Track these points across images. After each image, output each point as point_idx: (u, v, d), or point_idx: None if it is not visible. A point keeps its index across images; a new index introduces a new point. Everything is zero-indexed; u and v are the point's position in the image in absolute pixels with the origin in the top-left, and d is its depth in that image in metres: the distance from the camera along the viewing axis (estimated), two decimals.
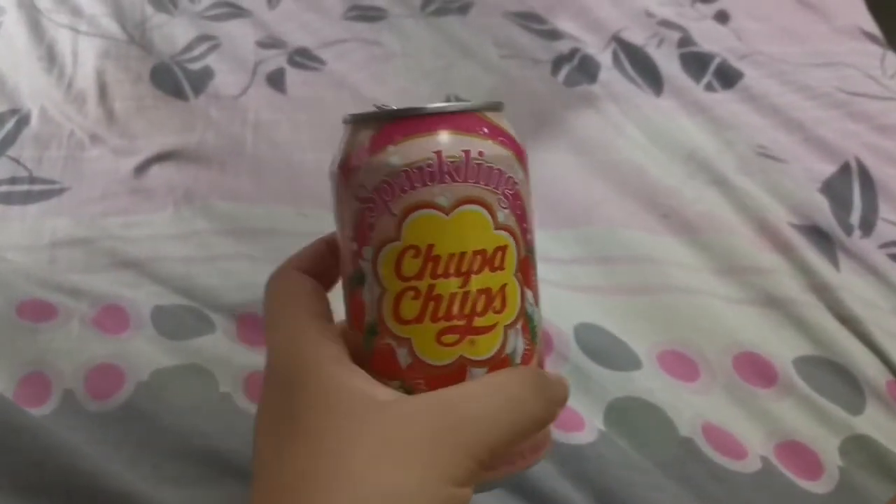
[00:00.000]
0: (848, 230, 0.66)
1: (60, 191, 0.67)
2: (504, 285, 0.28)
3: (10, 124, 0.73)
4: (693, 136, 0.75)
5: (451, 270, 0.27)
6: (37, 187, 0.67)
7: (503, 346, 0.29)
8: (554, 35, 0.87)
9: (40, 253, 0.61)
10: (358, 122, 0.29)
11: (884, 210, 0.68)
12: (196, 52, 0.83)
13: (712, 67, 0.82)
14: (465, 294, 0.28)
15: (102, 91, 0.77)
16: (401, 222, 0.27)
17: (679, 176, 0.71)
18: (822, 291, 0.61)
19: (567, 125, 0.76)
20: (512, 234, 0.29)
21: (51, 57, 0.80)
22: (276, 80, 0.80)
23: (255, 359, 0.52)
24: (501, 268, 0.28)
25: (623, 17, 0.88)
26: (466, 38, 0.86)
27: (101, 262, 0.61)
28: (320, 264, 0.32)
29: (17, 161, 0.69)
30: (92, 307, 0.55)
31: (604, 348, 0.55)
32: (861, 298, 0.60)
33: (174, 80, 0.79)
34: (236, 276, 0.59)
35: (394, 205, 0.27)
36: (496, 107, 0.30)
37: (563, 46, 0.85)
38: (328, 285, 0.32)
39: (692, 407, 0.52)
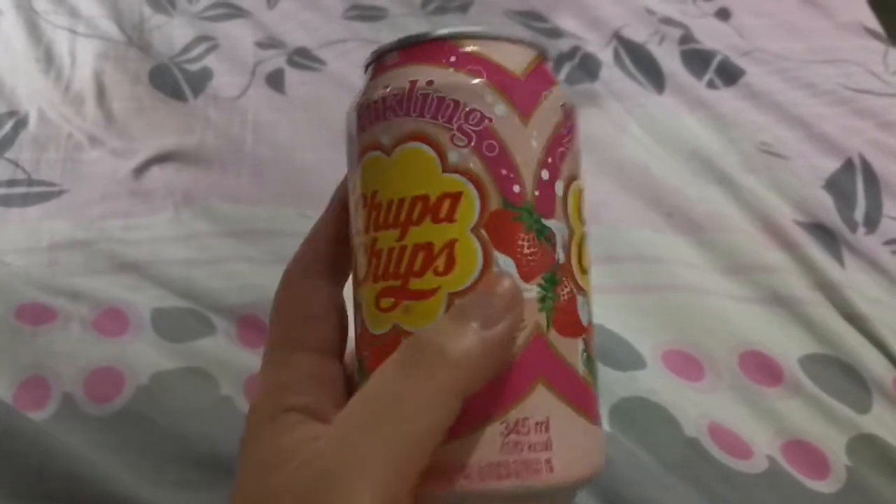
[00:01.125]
0: (852, 227, 0.66)
1: (59, 193, 0.67)
2: (452, 241, 0.23)
3: (7, 126, 0.73)
4: (696, 134, 0.75)
5: (390, 220, 0.23)
6: (35, 189, 0.67)
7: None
8: (555, 33, 0.86)
9: (39, 255, 0.61)
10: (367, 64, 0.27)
11: (888, 206, 0.68)
12: (195, 53, 0.82)
13: (714, 65, 0.82)
14: (402, 249, 0.23)
15: (101, 92, 0.77)
16: (357, 169, 0.25)
17: (683, 174, 0.71)
18: (828, 289, 0.60)
19: None
20: (472, 178, 0.23)
21: (49, 58, 0.80)
22: (275, 81, 0.80)
23: (256, 361, 0.52)
24: (450, 219, 0.23)
25: (624, 14, 0.88)
26: None
27: (101, 264, 0.60)
28: (333, 248, 0.27)
29: (15, 163, 0.69)
30: (91, 310, 0.55)
31: (608, 348, 0.55)
32: (866, 296, 0.60)
33: (173, 81, 0.79)
34: (237, 277, 0.59)
35: (354, 151, 0.25)
36: (485, 36, 0.25)
37: (564, 44, 0.84)
38: (344, 273, 0.27)
39: (698, 406, 0.52)
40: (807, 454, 0.50)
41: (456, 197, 0.23)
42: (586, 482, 0.24)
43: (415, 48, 0.25)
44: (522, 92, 0.24)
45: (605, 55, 0.83)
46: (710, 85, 0.80)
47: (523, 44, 0.25)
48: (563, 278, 0.24)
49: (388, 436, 0.21)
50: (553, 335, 0.24)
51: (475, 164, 0.23)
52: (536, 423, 0.23)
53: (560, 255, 0.24)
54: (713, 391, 0.54)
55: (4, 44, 0.82)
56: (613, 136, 0.75)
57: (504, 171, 0.23)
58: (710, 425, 0.51)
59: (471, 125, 0.23)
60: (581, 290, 0.25)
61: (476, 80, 0.24)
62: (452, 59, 0.24)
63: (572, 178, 0.25)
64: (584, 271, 0.25)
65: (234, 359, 0.52)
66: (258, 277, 0.58)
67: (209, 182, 0.69)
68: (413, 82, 0.24)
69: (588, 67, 0.82)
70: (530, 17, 0.89)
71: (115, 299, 0.56)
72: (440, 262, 0.23)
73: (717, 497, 0.47)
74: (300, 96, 0.78)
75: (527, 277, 0.23)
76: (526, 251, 0.23)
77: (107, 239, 0.62)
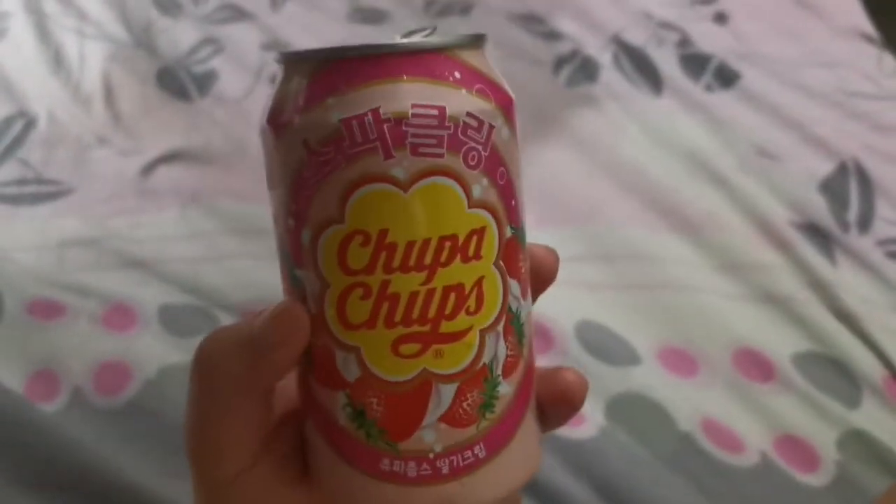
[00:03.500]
0: (845, 228, 0.67)
1: (68, 192, 0.68)
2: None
3: (18, 127, 0.74)
4: (692, 136, 0.76)
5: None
6: (45, 188, 0.68)
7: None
8: (555, 36, 0.87)
9: (49, 253, 0.62)
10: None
11: (881, 208, 0.69)
12: (201, 55, 0.84)
13: (711, 68, 0.83)
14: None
15: (109, 93, 0.78)
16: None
17: (679, 175, 0.72)
18: (820, 288, 0.61)
19: (568, 125, 0.77)
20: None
21: (58, 60, 0.81)
22: None
23: None
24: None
25: (623, 18, 0.89)
26: None
27: (109, 261, 0.61)
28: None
29: (25, 163, 0.70)
30: (100, 306, 0.56)
31: (604, 345, 0.56)
32: (858, 295, 0.61)
33: (180, 83, 0.80)
34: (242, 274, 0.60)
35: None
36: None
37: (564, 47, 0.86)
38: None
39: (691, 402, 0.53)
40: (798, 449, 0.51)
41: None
42: None
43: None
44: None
45: (604, 58, 0.84)
46: (707, 88, 0.81)
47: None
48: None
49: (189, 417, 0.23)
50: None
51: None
52: (310, 450, 0.24)
53: (311, 307, 0.22)
54: (707, 387, 0.55)
55: (14, 46, 0.83)
56: (611, 137, 0.76)
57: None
58: (704, 420, 0.52)
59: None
60: (339, 343, 0.23)
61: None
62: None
63: (327, 224, 0.23)
64: (346, 325, 0.23)
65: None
66: (262, 274, 0.60)
67: (215, 181, 0.70)
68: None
69: (587, 70, 0.83)
70: (530, 20, 0.90)
71: (123, 295, 0.57)
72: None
73: (709, 490, 0.48)
74: None
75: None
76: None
77: (115, 237, 0.64)
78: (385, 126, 0.20)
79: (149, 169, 0.71)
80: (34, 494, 0.45)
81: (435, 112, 0.21)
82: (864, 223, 0.68)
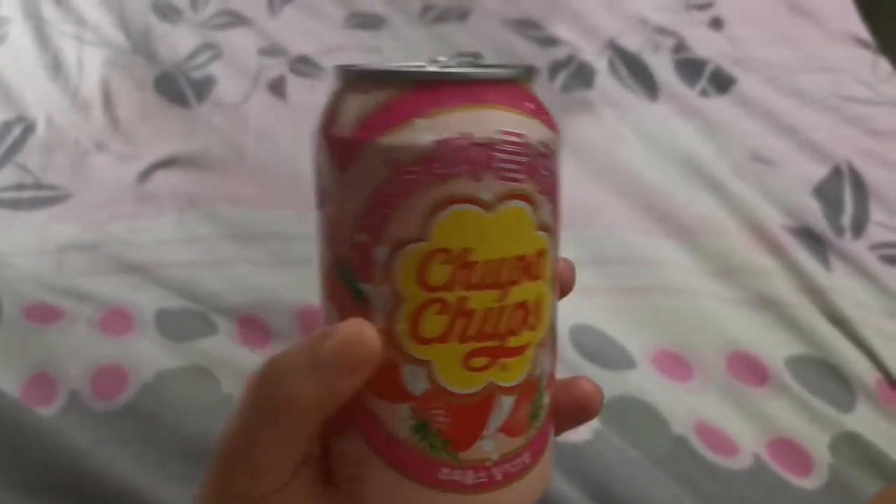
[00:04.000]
0: (839, 232, 0.67)
1: (66, 197, 0.68)
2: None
3: (16, 132, 0.74)
4: (688, 141, 0.76)
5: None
6: (43, 193, 0.69)
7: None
8: (550, 42, 0.88)
9: (47, 257, 0.62)
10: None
11: (875, 212, 0.69)
12: (199, 61, 0.84)
13: (706, 73, 0.83)
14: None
15: (107, 99, 0.78)
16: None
17: (674, 180, 0.72)
18: (814, 293, 0.62)
19: (564, 130, 0.77)
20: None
21: (56, 66, 0.82)
22: (277, 88, 0.82)
23: (257, 360, 0.53)
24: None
25: (618, 23, 0.89)
26: (465, 44, 0.87)
27: (107, 266, 0.62)
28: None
29: (23, 168, 0.71)
30: (97, 310, 0.57)
31: (599, 349, 0.56)
32: (852, 299, 0.61)
33: (178, 88, 0.81)
34: (239, 279, 0.60)
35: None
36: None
37: (560, 53, 0.86)
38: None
39: (686, 405, 0.53)
40: (791, 452, 0.52)
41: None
42: None
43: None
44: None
45: (600, 63, 0.85)
46: (703, 93, 0.82)
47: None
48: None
49: (239, 437, 0.23)
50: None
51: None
52: (352, 463, 0.24)
53: (378, 320, 0.23)
54: (701, 391, 0.55)
55: (13, 51, 0.83)
56: (607, 142, 0.76)
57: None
58: (698, 424, 0.52)
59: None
60: (409, 358, 0.23)
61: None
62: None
63: (409, 240, 0.23)
64: (419, 340, 0.24)
65: (236, 358, 0.54)
66: (259, 279, 0.60)
67: (212, 186, 0.70)
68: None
69: (583, 75, 0.83)
70: (527, 26, 0.90)
71: (120, 300, 0.58)
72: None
73: (703, 493, 0.49)
74: (301, 103, 0.80)
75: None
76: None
77: (112, 241, 0.64)
78: (476, 150, 0.21)
79: (147, 174, 0.71)
80: (31, 498, 0.45)
81: (518, 139, 0.22)
82: (859, 227, 0.68)
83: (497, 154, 0.22)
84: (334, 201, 0.23)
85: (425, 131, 0.21)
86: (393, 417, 0.23)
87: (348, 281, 0.23)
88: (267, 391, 0.22)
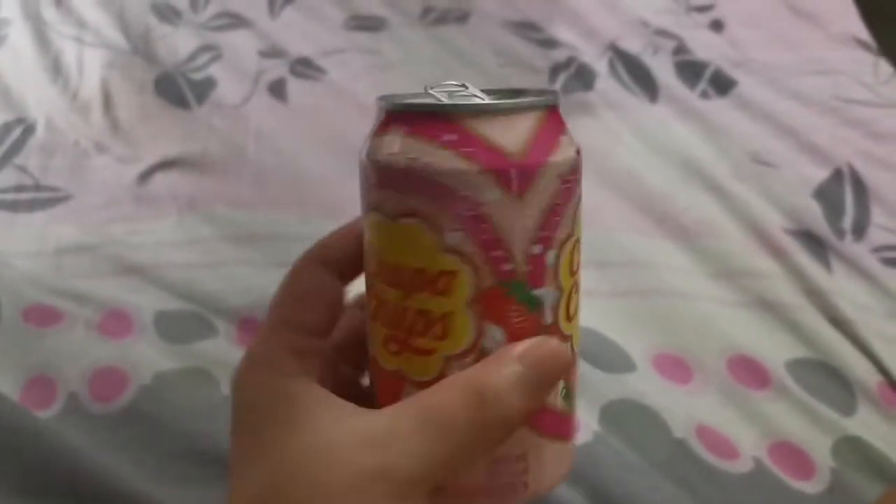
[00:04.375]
0: (840, 235, 0.67)
1: (66, 198, 0.68)
2: (449, 314, 0.25)
3: (16, 133, 0.74)
4: (688, 143, 0.76)
5: (394, 279, 0.25)
6: (42, 195, 0.69)
7: (441, 375, 0.25)
8: (551, 44, 0.88)
9: (46, 259, 0.62)
10: (522, 108, 0.25)
11: (876, 215, 0.69)
12: (199, 62, 0.84)
13: (707, 75, 0.83)
14: (405, 309, 0.25)
15: (107, 100, 0.78)
16: (365, 215, 0.27)
17: (675, 182, 0.72)
18: (815, 295, 0.62)
19: None
20: (466, 260, 0.24)
21: (56, 67, 0.82)
22: (277, 90, 0.82)
23: None
24: (447, 294, 0.25)
25: (619, 25, 0.89)
26: (465, 46, 0.87)
27: (106, 268, 0.62)
28: (349, 251, 0.29)
29: (23, 169, 0.71)
30: (96, 312, 0.56)
31: (598, 351, 0.56)
32: (853, 302, 0.61)
33: (177, 90, 0.81)
34: (238, 281, 0.60)
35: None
36: (486, 109, 0.24)
37: (560, 55, 0.86)
38: (350, 277, 0.30)
39: (686, 408, 0.53)
40: (792, 455, 0.51)
41: (452, 275, 0.25)
42: (557, 486, 0.28)
43: (417, 118, 0.25)
44: (519, 172, 0.24)
45: (601, 65, 0.85)
46: (703, 95, 0.81)
47: (529, 107, 0.25)
48: (551, 336, 0.26)
49: (434, 463, 0.24)
50: None
51: (469, 247, 0.24)
52: (515, 457, 0.27)
53: (548, 317, 0.26)
54: (701, 394, 0.55)
55: (13, 53, 0.83)
56: (607, 144, 0.76)
57: (496, 252, 0.24)
58: (698, 427, 0.52)
59: (466, 210, 0.24)
60: (565, 338, 0.27)
61: (472, 167, 0.24)
62: (452, 137, 0.24)
63: (567, 237, 0.26)
64: (569, 319, 0.27)
65: (235, 360, 0.53)
66: (259, 280, 0.60)
67: (212, 188, 0.70)
68: (412, 160, 0.24)
69: (583, 77, 0.83)
70: (527, 28, 0.90)
71: (119, 301, 0.57)
72: (437, 329, 0.25)
73: (703, 497, 0.48)
74: (301, 105, 0.80)
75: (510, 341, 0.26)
76: (515, 321, 0.25)
77: (112, 243, 0.64)
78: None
79: (146, 176, 0.71)
80: (30, 501, 0.45)
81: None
82: (860, 230, 0.68)
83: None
84: (497, 226, 0.24)
85: (570, 146, 0.26)
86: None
87: (520, 294, 0.25)
88: (480, 413, 0.24)
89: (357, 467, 0.24)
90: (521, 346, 0.25)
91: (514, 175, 0.24)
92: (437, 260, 0.25)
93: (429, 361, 0.25)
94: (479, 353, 0.25)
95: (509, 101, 0.25)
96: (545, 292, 0.25)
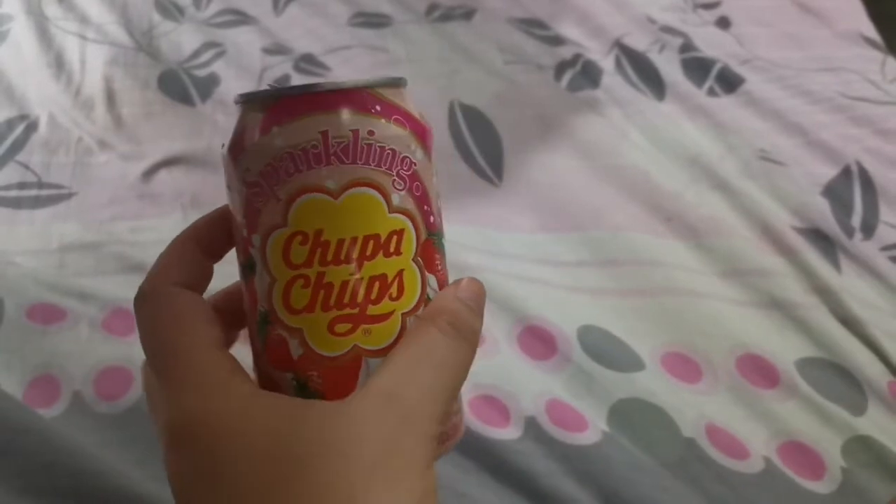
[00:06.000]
0: (849, 233, 0.67)
1: (69, 196, 0.68)
2: (401, 271, 0.27)
3: (18, 130, 0.74)
4: (695, 141, 0.75)
5: (342, 257, 0.26)
6: (45, 192, 0.68)
7: (401, 334, 0.27)
8: (557, 41, 0.87)
9: (49, 257, 0.62)
10: (246, 102, 0.28)
11: (885, 213, 0.68)
12: (203, 59, 0.84)
13: (714, 72, 0.83)
14: (358, 281, 0.26)
15: (110, 97, 0.78)
16: (287, 207, 0.26)
17: (682, 180, 0.72)
18: (824, 293, 0.61)
19: (571, 130, 0.77)
20: (410, 216, 0.27)
21: (59, 64, 0.81)
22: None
23: None
24: (398, 252, 0.27)
25: (625, 23, 0.89)
26: (471, 44, 0.87)
27: (110, 266, 0.61)
28: (212, 237, 0.30)
29: (25, 166, 0.70)
30: (100, 310, 0.56)
31: (607, 350, 0.56)
32: (862, 300, 0.61)
33: (181, 87, 0.80)
34: None
35: (280, 189, 0.26)
36: (393, 83, 0.28)
37: (566, 52, 0.85)
38: (217, 256, 0.31)
39: (695, 408, 0.53)
40: (802, 455, 0.51)
41: (400, 233, 0.27)
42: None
43: (335, 95, 0.26)
44: (425, 134, 0.28)
45: (607, 63, 0.84)
46: (710, 92, 0.81)
47: (405, 85, 0.28)
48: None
49: (441, 395, 0.26)
50: None
51: (410, 204, 0.27)
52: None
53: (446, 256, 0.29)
54: (711, 393, 0.54)
55: (16, 49, 0.83)
56: (614, 142, 0.76)
57: (426, 206, 0.28)
58: (708, 426, 0.52)
59: (404, 171, 0.27)
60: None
61: (404, 131, 0.27)
62: (378, 108, 0.26)
63: None
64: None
65: (239, 357, 0.53)
66: None
67: (216, 185, 0.69)
68: (355, 132, 0.26)
69: (590, 75, 0.83)
70: (533, 25, 0.90)
71: (123, 300, 0.57)
72: (393, 290, 0.27)
73: (713, 497, 0.48)
74: None
75: (442, 287, 0.29)
76: (438, 267, 0.28)
77: (115, 241, 0.63)
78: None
79: (150, 173, 0.71)
80: (33, 500, 0.45)
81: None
82: (869, 228, 0.67)
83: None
84: (423, 182, 0.28)
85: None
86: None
87: (439, 241, 0.29)
88: (458, 340, 0.27)
89: (381, 429, 0.24)
90: (451, 288, 0.28)
91: (425, 135, 0.28)
92: (388, 222, 0.26)
93: (388, 325, 0.27)
94: (425, 302, 0.28)
95: (398, 77, 0.28)
96: (444, 236, 0.29)
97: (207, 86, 0.80)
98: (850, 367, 0.56)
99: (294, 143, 0.26)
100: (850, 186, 0.71)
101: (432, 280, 0.28)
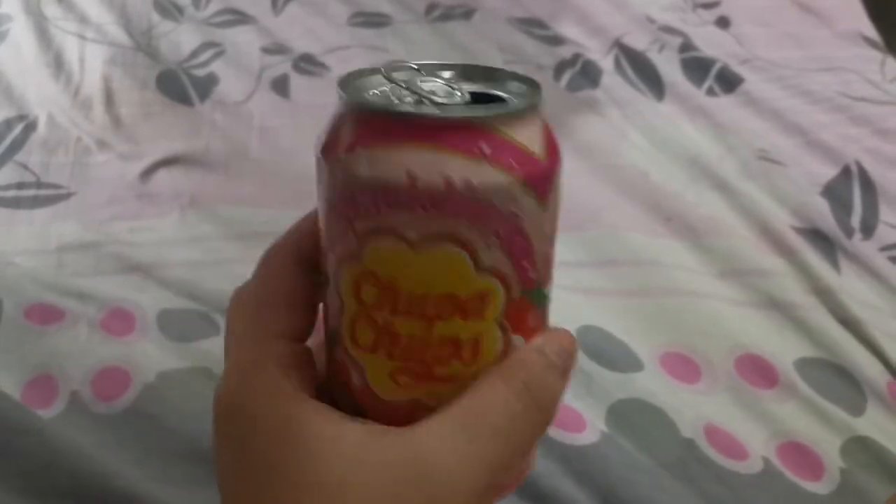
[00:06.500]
0: (849, 233, 0.66)
1: (67, 196, 0.68)
2: (479, 335, 0.24)
3: (17, 130, 0.74)
4: (695, 141, 0.75)
5: (413, 310, 0.23)
6: (44, 192, 0.68)
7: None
8: (557, 40, 0.87)
9: (48, 257, 0.62)
10: (343, 99, 0.24)
11: (884, 213, 0.68)
12: (202, 59, 0.84)
13: (713, 72, 0.83)
14: (426, 339, 0.23)
15: (109, 97, 0.78)
16: (362, 244, 0.23)
17: (682, 180, 0.72)
18: (824, 294, 0.61)
19: (570, 130, 0.77)
20: (501, 277, 0.23)
21: (58, 64, 0.81)
22: (280, 86, 0.81)
23: None
24: (479, 315, 0.23)
25: (625, 22, 0.89)
26: (470, 43, 0.87)
27: (108, 266, 0.61)
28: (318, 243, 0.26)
29: (24, 166, 0.70)
30: (99, 310, 0.56)
31: (606, 350, 0.56)
32: (862, 301, 0.61)
33: (180, 87, 0.80)
34: (241, 279, 0.59)
35: (357, 222, 0.23)
36: (518, 111, 0.23)
37: (566, 52, 0.85)
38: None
39: (694, 408, 0.53)
40: (801, 456, 0.51)
41: (485, 295, 0.23)
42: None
43: (443, 131, 0.21)
44: (544, 176, 0.23)
45: (606, 63, 0.84)
46: (710, 92, 0.81)
47: (538, 103, 0.23)
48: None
49: (487, 469, 0.23)
50: None
51: (503, 263, 0.23)
52: None
53: (548, 308, 0.26)
54: (709, 393, 0.54)
55: (15, 49, 0.83)
56: (613, 142, 0.76)
57: (525, 263, 0.23)
58: (707, 427, 0.52)
59: (504, 224, 0.22)
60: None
61: (512, 177, 0.22)
62: (486, 149, 0.22)
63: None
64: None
65: None
66: None
67: (215, 185, 0.70)
68: (448, 180, 0.21)
69: (589, 74, 0.83)
70: (532, 25, 0.90)
71: (122, 300, 0.57)
72: (467, 353, 0.24)
73: (712, 497, 0.48)
74: (305, 101, 0.80)
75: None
76: (531, 324, 0.25)
77: (114, 241, 0.63)
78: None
79: (148, 173, 0.71)
80: (32, 500, 0.45)
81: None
82: (868, 228, 0.67)
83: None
84: (528, 235, 0.23)
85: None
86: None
87: (537, 297, 0.25)
88: (529, 402, 0.24)
89: (389, 481, 0.22)
90: (539, 340, 0.25)
91: (543, 177, 0.23)
92: (472, 283, 0.23)
93: (455, 387, 0.24)
94: None
95: (526, 100, 0.23)
96: (550, 288, 0.25)
97: (206, 86, 0.80)
98: (849, 368, 0.56)
99: (376, 176, 0.22)
100: (849, 186, 0.71)
101: (519, 341, 0.24)
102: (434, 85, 0.24)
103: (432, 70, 0.25)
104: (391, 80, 0.24)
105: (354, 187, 0.22)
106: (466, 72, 0.25)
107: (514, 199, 0.22)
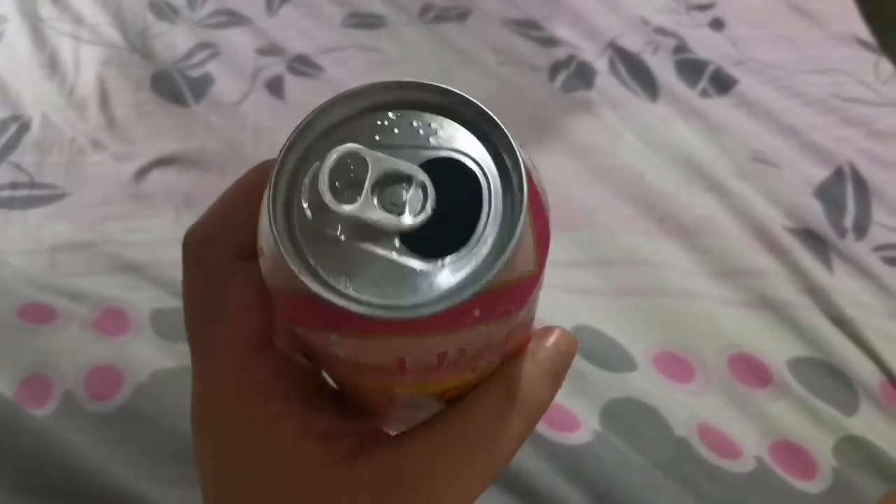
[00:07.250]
0: (841, 233, 0.67)
1: (62, 196, 0.68)
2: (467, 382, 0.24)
3: (11, 130, 0.74)
4: (689, 142, 0.76)
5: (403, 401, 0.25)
6: (38, 192, 0.68)
7: None
8: (551, 42, 0.87)
9: (41, 257, 0.62)
10: (294, 275, 0.19)
11: (877, 214, 0.69)
12: (196, 60, 0.84)
13: (707, 74, 0.83)
14: (412, 397, 0.24)
15: (104, 98, 0.78)
16: (343, 378, 0.24)
17: (675, 181, 0.72)
18: (816, 294, 0.61)
19: (564, 131, 0.77)
20: (482, 375, 0.23)
21: (53, 64, 0.81)
22: (275, 87, 0.81)
23: None
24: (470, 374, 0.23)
25: (619, 24, 0.89)
26: (465, 44, 0.87)
27: (102, 266, 0.61)
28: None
29: (18, 166, 0.70)
30: (92, 310, 0.56)
31: (600, 350, 0.56)
32: (854, 301, 0.61)
33: (175, 87, 0.80)
34: None
35: (342, 371, 0.23)
36: (516, 278, 0.19)
37: (560, 53, 0.86)
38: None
39: (687, 407, 0.53)
40: (794, 455, 0.51)
41: (463, 386, 0.23)
42: None
43: (439, 318, 0.18)
44: (537, 284, 0.20)
45: (601, 64, 0.84)
46: (704, 94, 0.81)
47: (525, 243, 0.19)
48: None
49: (483, 473, 0.22)
50: None
51: (489, 367, 0.23)
52: None
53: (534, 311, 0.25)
54: (703, 393, 0.55)
55: (9, 50, 0.83)
56: (608, 143, 0.76)
57: (515, 341, 0.23)
58: (700, 426, 0.52)
59: (495, 356, 0.22)
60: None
61: (508, 321, 0.20)
62: (479, 314, 0.18)
63: None
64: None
65: None
66: None
67: (209, 186, 0.70)
68: (442, 355, 0.19)
69: (583, 76, 0.83)
70: (527, 26, 0.90)
71: (115, 299, 0.57)
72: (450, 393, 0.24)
73: (705, 496, 0.48)
74: (299, 102, 0.80)
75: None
76: (518, 344, 0.24)
77: (108, 241, 0.63)
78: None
79: (143, 173, 0.70)
80: (25, 499, 0.45)
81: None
82: (861, 229, 0.68)
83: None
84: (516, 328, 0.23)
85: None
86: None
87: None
88: (534, 393, 0.23)
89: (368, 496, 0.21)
90: (531, 345, 0.24)
91: (537, 286, 0.20)
92: (451, 384, 0.22)
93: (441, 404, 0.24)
94: None
95: (519, 223, 0.19)
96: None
97: (201, 86, 0.80)
98: (841, 367, 0.56)
99: (358, 361, 0.20)
100: (842, 187, 0.71)
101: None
102: (378, 217, 0.19)
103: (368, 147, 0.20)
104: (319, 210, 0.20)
105: (332, 357, 0.20)
106: (411, 98, 0.21)
107: (509, 330, 0.20)
